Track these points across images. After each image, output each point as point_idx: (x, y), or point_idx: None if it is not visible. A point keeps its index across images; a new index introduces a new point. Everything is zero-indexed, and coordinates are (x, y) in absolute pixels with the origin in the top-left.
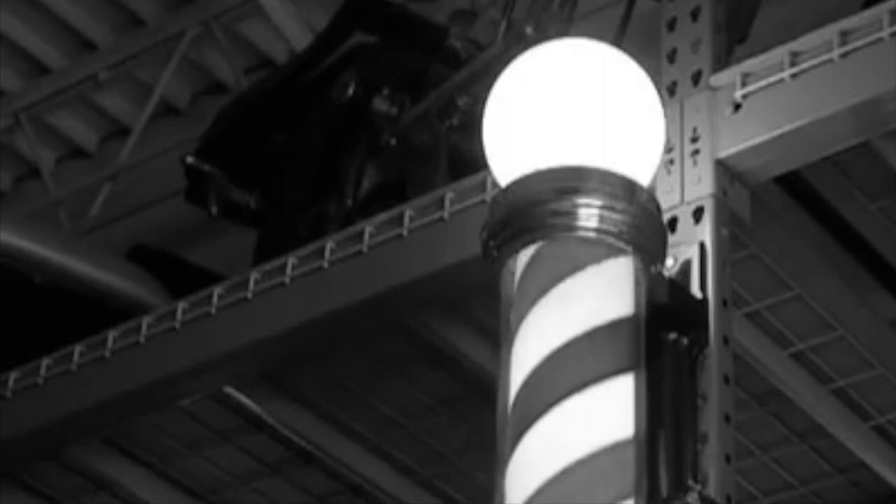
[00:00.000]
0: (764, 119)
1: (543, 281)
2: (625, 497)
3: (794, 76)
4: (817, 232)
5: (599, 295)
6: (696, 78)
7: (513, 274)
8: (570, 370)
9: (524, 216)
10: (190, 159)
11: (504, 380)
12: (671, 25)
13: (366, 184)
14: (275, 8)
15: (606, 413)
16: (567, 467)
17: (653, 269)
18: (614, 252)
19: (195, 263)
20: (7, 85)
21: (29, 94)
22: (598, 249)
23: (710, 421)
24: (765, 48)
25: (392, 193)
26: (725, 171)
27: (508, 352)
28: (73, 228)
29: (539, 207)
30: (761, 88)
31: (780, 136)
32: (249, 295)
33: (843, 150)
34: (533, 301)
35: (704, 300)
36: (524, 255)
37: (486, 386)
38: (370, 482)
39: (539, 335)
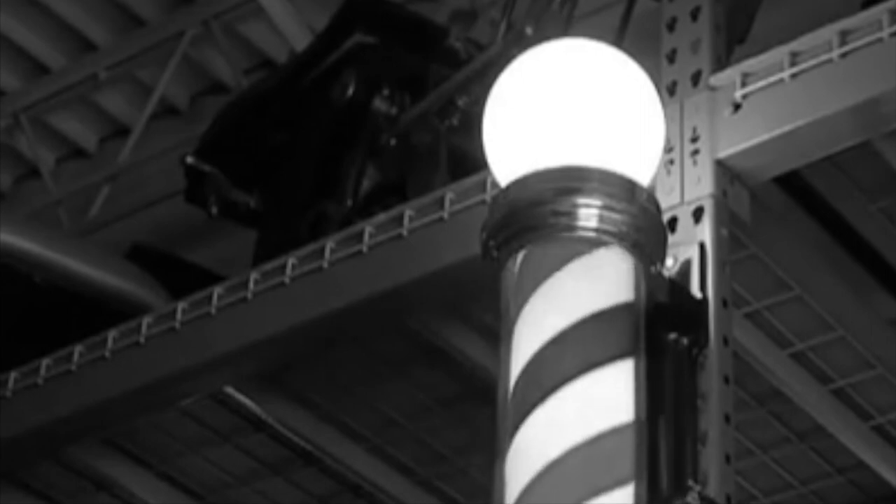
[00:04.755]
0: (764, 119)
1: (539, 274)
2: (624, 483)
3: (793, 76)
4: (817, 232)
5: (596, 284)
6: (695, 78)
7: (513, 274)
8: (567, 358)
9: (524, 216)
10: (190, 159)
11: (504, 372)
12: (671, 25)
13: (366, 184)
14: (275, 8)
15: (606, 398)
16: (565, 453)
17: (653, 269)
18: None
19: (195, 263)
20: (7, 85)
21: (29, 94)
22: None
23: (710, 421)
24: (765, 48)
25: (392, 193)
26: (725, 171)
27: (508, 346)
28: (73, 228)
29: (539, 207)
30: (761, 88)
31: (780, 136)
32: (249, 295)
33: (843, 150)
34: (529, 293)
35: (704, 300)
36: (522, 256)
37: (486, 386)
38: (370, 482)
39: (536, 325)
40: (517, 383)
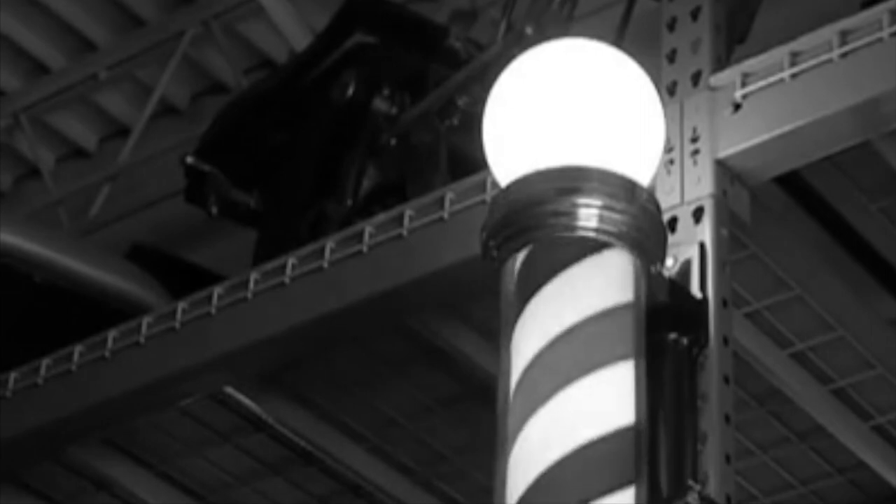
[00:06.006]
0: (764, 119)
1: (539, 274)
2: (624, 485)
3: (794, 76)
4: (817, 232)
5: (598, 285)
6: (695, 78)
7: (513, 274)
8: (569, 359)
9: (524, 216)
10: (190, 159)
11: (504, 373)
12: (671, 25)
13: (366, 184)
14: (275, 8)
15: (607, 400)
16: (568, 454)
17: (653, 269)
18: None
19: (195, 263)
20: (7, 85)
21: (29, 94)
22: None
23: (710, 421)
24: (765, 48)
25: (392, 193)
26: (725, 171)
27: (508, 347)
28: (73, 228)
29: (539, 207)
30: (761, 88)
31: (780, 136)
32: (249, 295)
33: (843, 150)
34: (532, 293)
35: (704, 300)
36: (522, 256)
37: (486, 386)
38: (370, 482)
39: (536, 326)
40: (518, 385)
